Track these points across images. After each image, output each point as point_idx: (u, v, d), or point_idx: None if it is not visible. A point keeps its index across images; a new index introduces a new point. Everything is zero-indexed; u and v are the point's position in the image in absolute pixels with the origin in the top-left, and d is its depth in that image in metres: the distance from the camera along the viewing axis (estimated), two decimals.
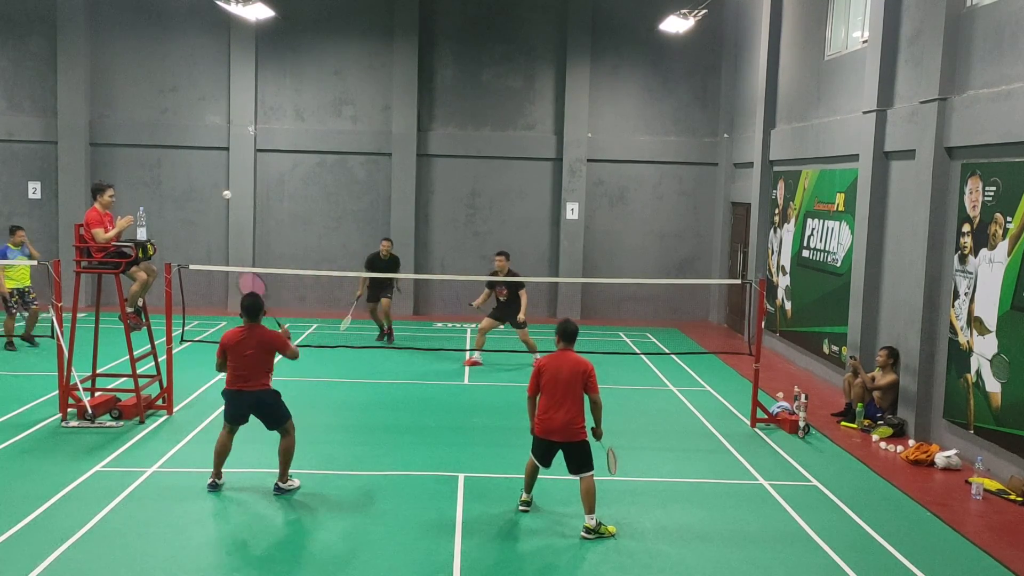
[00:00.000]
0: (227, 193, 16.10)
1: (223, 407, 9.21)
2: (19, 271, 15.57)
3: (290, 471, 9.13)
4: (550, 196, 21.26)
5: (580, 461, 8.18)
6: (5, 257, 15.40)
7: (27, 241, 15.92)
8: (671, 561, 7.73)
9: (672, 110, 21.25)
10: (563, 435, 8.16)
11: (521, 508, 8.65)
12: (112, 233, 11.17)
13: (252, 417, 9.11)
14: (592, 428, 8.35)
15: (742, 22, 20.19)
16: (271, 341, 9.00)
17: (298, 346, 9.62)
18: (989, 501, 9.43)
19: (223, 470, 9.13)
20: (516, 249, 21.21)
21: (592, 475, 8.17)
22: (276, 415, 9.04)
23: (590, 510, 8.10)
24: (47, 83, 20.44)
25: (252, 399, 8.93)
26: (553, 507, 8.76)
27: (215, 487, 8.99)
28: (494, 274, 15.43)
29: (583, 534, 8.08)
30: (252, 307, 9.02)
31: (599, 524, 8.14)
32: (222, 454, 9.06)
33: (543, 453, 8.35)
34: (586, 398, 8.30)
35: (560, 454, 8.31)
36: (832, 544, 8.14)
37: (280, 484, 9.01)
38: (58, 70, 20.19)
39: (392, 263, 17.07)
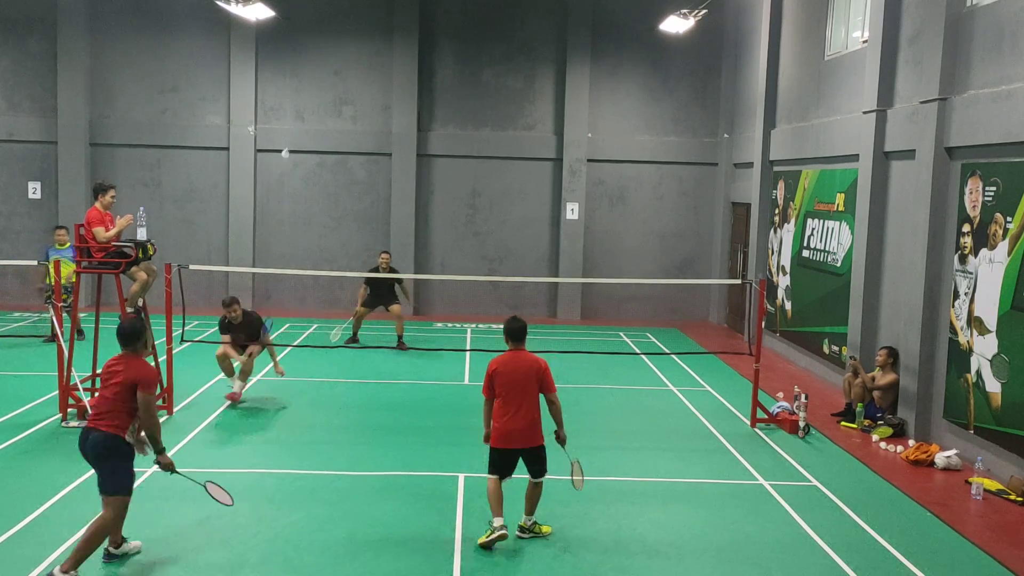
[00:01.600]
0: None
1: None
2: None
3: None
4: (550, 196, 21.25)
5: (540, 466, 8.03)
6: (48, 257, 15.37)
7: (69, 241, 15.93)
8: (671, 561, 7.73)
9: (672, 110, 21.25)
10: (523, 441, 7.87)
11: (498, 535, 7.75)
12: (112, 232, 11.16)
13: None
14: (555, 431, 8.05)
15: (742, 22, 20.19)
16: (136, 378, 7.09)
17: (299, 345, 9.46)
18: (989, 501, 9.43)
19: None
20: (516, 249, 21.25)
21: (543, 481, 8.09)
22: (112, 474, 7.06)
23: (531, 511, 8.04)
24: (47, 83, 20.44)
25: (95, 440, 7.07)
26: (553, 507, 8.74)
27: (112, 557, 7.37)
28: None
29: (519, 533, 8.01)
30: (129, 332, 7.28)
31: (534, 524, 8.09)
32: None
33: (504, 464, 7.95)
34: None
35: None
36: (832, 544, 8.14)
37: (61, 571, 6.83)
38: (58, 70, 20.18)
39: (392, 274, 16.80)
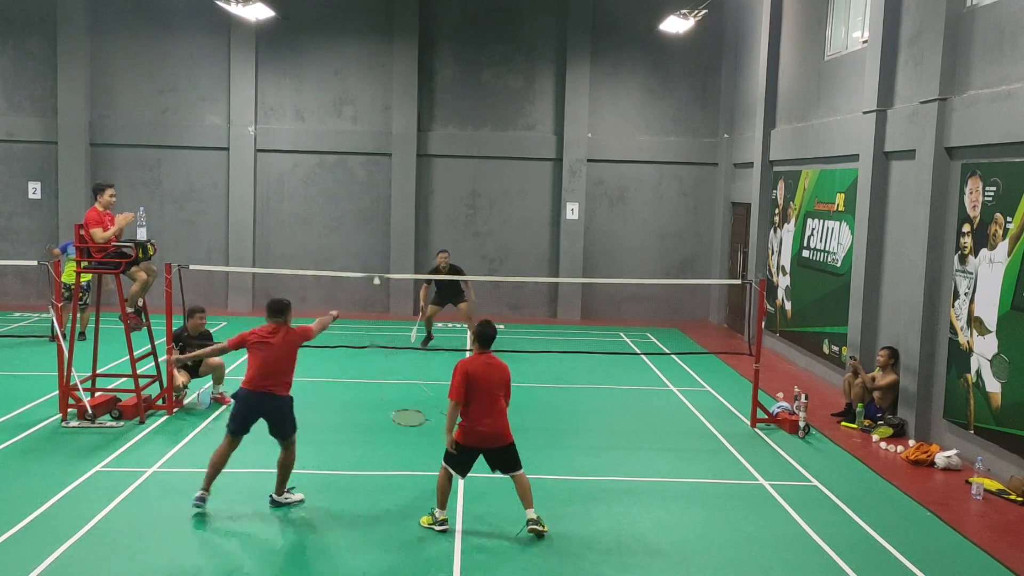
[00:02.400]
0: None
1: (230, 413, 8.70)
2: (68, 268, 15.08)
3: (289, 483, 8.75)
4: (550, 196, 21.26)
5: (512, 461, 8.13)
6: (66, 252, 15.16)
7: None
8: (671, 561, 7.74)
9: (672, 110, 21.25)
10: (497, 440, 8.07)
11: (440, 529, 8.16)
12: (111, 231, 11.15)
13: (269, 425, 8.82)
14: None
15: (742, 22, 20.19)
16: (300, 336, 8.68)
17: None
18: (989, 501, 9.43)
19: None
20: (516, 249, 21.25)
21: (523, 471, 8.14)
22: (287, 423, 8.58)
23: (531, 504, 8.05)
24: (47, 83, 20.44)
25: (270, 404, 8.47)
26: (553, 507, 8.75)
27: (203, 502, 8.43)
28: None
29: (531, 528, 7.97)
30: (281, 307, 8.65)
31: (539, 517, 8.07)
32: (218, 466, 8.55)
33: (467, 463, 8.16)
34: None
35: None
36: (832, 544, 8.14)
37: (275, 496, 8.70)
38: (58, 70, 20.18)
39: (453, 273, 16.47)
